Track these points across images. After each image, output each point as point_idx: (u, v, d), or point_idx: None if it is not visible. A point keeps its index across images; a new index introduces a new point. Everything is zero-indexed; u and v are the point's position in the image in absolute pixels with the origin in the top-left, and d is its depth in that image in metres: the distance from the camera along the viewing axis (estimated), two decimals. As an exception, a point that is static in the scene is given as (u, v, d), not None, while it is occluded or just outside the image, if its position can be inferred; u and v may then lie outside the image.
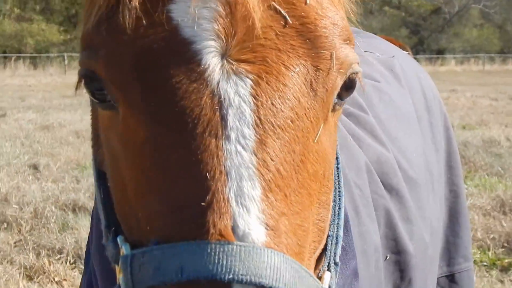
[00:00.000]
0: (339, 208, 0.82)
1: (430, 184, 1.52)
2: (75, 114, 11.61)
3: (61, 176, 6.68)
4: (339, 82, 0.67)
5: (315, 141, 0.65)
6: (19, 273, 4.15)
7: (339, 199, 0.83)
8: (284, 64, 0.62)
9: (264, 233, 0.54)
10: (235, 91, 0.59)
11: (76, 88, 0.76)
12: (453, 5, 44.13)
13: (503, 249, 4.49)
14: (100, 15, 0.64)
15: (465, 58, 38.34)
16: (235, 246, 0.52)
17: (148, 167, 0.60)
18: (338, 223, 0.80)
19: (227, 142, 0.57)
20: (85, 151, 7.85)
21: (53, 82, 20.29)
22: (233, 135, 0.57)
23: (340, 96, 0.69)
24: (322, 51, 0.65)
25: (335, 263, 0.76)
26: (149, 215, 0.60)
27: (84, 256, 1.62)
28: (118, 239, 0.66)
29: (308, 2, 0.65)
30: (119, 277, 0.62)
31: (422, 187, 1.44)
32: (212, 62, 0.59)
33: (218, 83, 0.59)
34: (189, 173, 0.56)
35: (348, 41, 0.69)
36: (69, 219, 5.03)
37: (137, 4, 0.61)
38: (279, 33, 0.63)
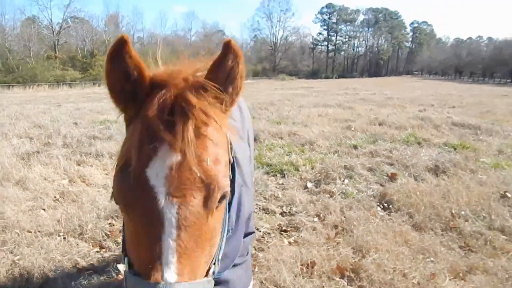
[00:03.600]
0: (222, 237, 1.15)
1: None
2: (89, 104, 18.47)
3: (86, 126, 10.19)
4: (218, 197, 0.99)
5: (207, 225, 0.98)
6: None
7: (223, 234, 1.15)
8: (192, 197, 0.95)
9: (175, 278, 0.89)
10: (170, 211, 0.93)
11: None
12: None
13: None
14: (117, 171, 0.99)
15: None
16: (161, 285, 0.87)
17: (134, 240, 0.96)
18: (221, 246, 1.14)
19: (164, 235, 0.92)
20: (95, 117, 12.06)
21: (78, 93, 30.85)
22: (167, 231, 0.92)
23: (220, 201, 1.01)
24: (212, 187, 0.97)
25: (218, 260, 1.12)
26: (131, 256, 0.98)
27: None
28: (125, 259, 1.02)
29: (208, 164, 0.97)
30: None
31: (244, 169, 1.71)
32: (162, 197, 0.94)
33: (163, 206, 0.93)
34: (148, 246, 0.92)
35: (226, 177, 1.01)
36: (92, 142, 7.88)
37: (133, 171, 0.94)
38: (192, 181, 0.95)
